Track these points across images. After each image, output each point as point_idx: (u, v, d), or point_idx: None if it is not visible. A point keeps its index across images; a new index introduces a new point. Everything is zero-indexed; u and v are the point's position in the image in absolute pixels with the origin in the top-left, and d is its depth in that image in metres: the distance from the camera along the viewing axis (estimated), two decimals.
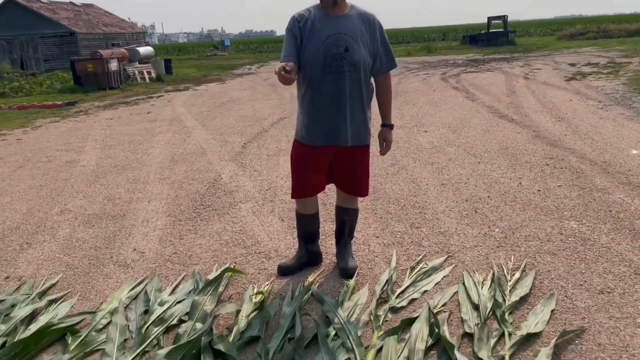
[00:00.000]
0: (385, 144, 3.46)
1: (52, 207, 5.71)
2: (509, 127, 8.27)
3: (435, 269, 3.58)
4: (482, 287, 3.24)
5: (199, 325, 3.05)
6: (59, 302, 3.53)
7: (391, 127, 3.44)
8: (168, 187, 6.12)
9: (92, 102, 15.67)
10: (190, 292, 3.51)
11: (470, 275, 3.41)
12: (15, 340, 3.02)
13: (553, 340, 2.64)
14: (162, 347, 2.91)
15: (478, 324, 2.87)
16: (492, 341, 2.72)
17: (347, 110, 3.23)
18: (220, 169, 6.81)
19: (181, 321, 3.17)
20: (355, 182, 3.47)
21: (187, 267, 3.99)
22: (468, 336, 2.82)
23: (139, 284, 3.70)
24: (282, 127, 9.57)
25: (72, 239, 4.72)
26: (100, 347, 3.01)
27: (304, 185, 3.44)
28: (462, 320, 2.95)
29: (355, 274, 3.55)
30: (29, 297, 3.60)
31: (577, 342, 2.69)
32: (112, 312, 3.31)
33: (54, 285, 3.83)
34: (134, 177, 6.69)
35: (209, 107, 13.12)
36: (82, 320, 3.29)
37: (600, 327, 2.80)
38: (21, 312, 3.32)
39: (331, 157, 3.38)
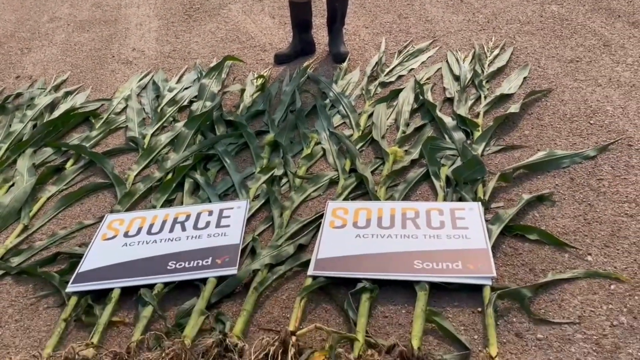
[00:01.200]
0: None
1: (40, 15, 5.70)
2: None
3: (421, 51, 3.84)
4: (463, 62, 3.55)
5: (208, 103, 3.38)
6: (74, 93, 3.82)
7: None
8: None
9: None
10: (195, 80, 3.79)
11: (453, 54, 3.69)
12: (44, 122, 3.36)
13: (521, 99, 3.01)
14: (178, 122, 3.27)
15: (458, 91, 3.22)
16: (470, 102, 3.10)
17: None
18: None
19: (191, 102, 3.50)
20: None
21: (187, 61, 4.22)
22: (448, 100, 3.19)
23: (146, 76, 3.95)
24: None
25: (69, 42, 4.85)
26: (122, 125, 3.37)
27: None
28: (444, 89, 3.30)
29: (347, 59, 3.81)
30: (45, 91, 3.87)
31: (543, 99, 3.07)
32: (127, 99, 3.62)
33: (64, 81, 4.08)
34: None
35: None
36: (101, 105, 3.61)
37: (565, 87, 3.17)
38: (43, 100, 3.61)
39: None
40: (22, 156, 3.05)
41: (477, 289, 1.93)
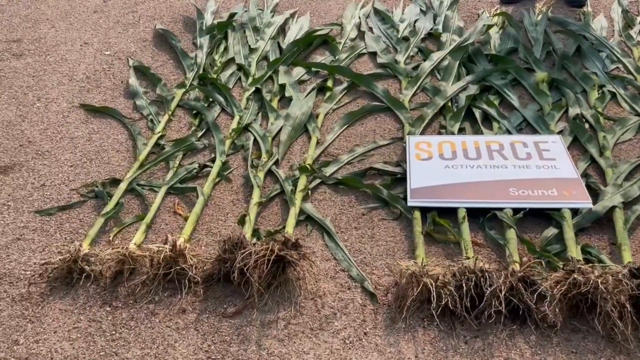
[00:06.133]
0: None
1: None
2: None
3: None
4: None
5: (456, 37, 3.24)
6: (296, 16, 3.74)
7: None
8: None
9: None
10: (419, 13, 3.64)
11: None
12: (288, 42, 3.31)
13: None
14: (428, 52, 3.14)
15: None
16: None
17: None
18: None
19: (430, 34, 3.37)
20: None
21: None
22: None
23: (363, 6, 3.83)
24: None
25: None
26: (364, 52, 3.28)
27: None
28: None
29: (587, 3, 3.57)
30: (263, 12, 3.81)
31: None
32: (358, 26, 3.52)
33: (277, 4, 4.01)
34: None
35: None
36: (331, 30, 3.52)
37: None
38: (275, 20, 3.56)
39: None
40: (280, 73, 3.01)
41: None
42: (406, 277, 1.69)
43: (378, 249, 1.97)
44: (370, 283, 1.82)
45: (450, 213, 2.05)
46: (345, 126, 2.63)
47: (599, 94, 2.69)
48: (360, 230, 2.06)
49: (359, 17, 3.61)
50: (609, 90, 2.71)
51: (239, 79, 3.08)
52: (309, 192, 2.20)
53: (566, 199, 2.01)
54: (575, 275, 1.59)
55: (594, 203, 2.01)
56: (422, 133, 2.52)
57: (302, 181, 2.22)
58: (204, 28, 3.51)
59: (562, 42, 3.18)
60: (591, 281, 1.55)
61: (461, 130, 2.54)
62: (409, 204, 2.07)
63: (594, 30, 3.21)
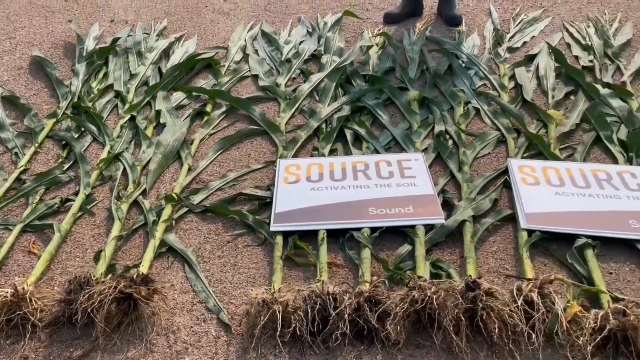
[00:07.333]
0: None
1: None
2: None
3: (536, 20, 3.80)
4: (586, 33, 3.51)
5: (336, 57, 3.31)
6: (182, 40, 3.71)
7: None
8: None
9: None
10: (306, 34, 3.71)
11: (571, 24, 3.66)
12: (169, 66, 3.27)
13: None
14: (308, 74, 3.19)
15: (592, 61, 3.20)
16: (611, 71, 3.08)
17: None
18: None
19: (314, 56, 3.43)
20: None
21: (287, 16, 4.12)
22: (586, 69, 3.16)
23: (251, 28, 3.86)
24: None
25: None
26: (247, 75, 3.30)
27: None
28: (576, 58, 3.28)
29: (462, 23, 3.76)
30: (149, 36, 3.76)
31: None
32: (243, 49, 3.54)
33: (165, 28, 3.96)
34: None
35: None
36: (217, 53, 3.51)
37: None
38: (159, 44, 3.51)
39: None
40: (157, 99, 2.97)
41: None
42: (256, 305, 1.69)
43: (239, 277, 1.97)
44: (226, 313, 1.81)
45: (313, 236, 2.08)
46: (220, 151, 2.62)
47: (464, 110, 2.82)
48: (224, 259, 2.04)
49: (245, 40, 3.63)
50: (473, 107, 2.85)
51: (116, 106, 3.01)
52: (173, 222, 2.17)
53: (421, 216, 2.08)
54: (414, 293, 1.64)
55: (448, 218, 2.10)
56: (295, 155, 2.55)
57: (167, 211, 2.18)
58: (84, 54, 3.41)
59: (437, 60, 3.32)
60: (427, 297, 1.61)
61: (333, 152, 2.58)
62: (271, 229, 2.08)
63: (466, 49, 3.38)
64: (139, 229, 2.17)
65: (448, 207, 2.19)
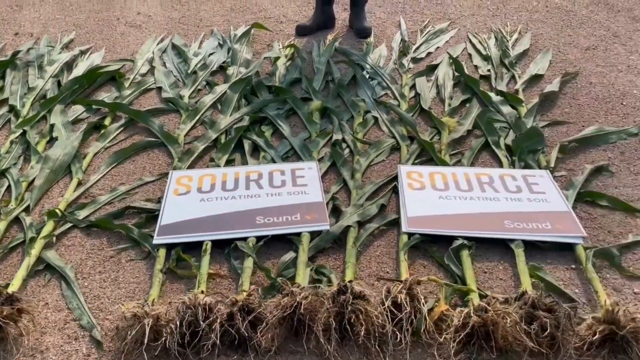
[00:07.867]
0: None
1: None
2: None
3: (442, 31, 3.93)
4: (487, 44, 3.67)
5: (243, 68, 3.32)
6: (88, 53, 3.63)
7: None
8: None
9: None
10: (217, 46, 3.70)
11: (474, 35, 3.81)
12: (69, 79, 3.19)
13: (557, 79, 3.17)
14: (214, 85, 3.18)
15: (490, 69, 3.34)
16: (506, 80, 3.22)
17: None
18: None
19: (221, 67, 3.43)
20: None
21: (200, 28, 4.11)
22: (483, 78, 3.30)
23: (161, 41, 3.82)
24: None
25: (64, 2, 4.60)
26: (152, 87, 3.25)
27: None
28: (476, 67, 3.41)
29: (372, 34, 3.85)
30: (54, 49, 3.66)
31: (572, 82, 3.24)
32: (150, 61, 3.49)
33: (72, 40, 3.87)
34: None
35: None
36: (123, 65, 3.46)
37: (590, 72, 3.35)
38: (61, 57, 3.42)
39: None
40: (53, 112, 2.88)
41: (566, 248, 2.03)
42: (126, 320, 1.65)
43: (119, 292, 1.92)
44: (100, 330, 1.76)
45: (201, 247, 2.05)
46: (113, 165, 2.57)
47: (363, 119, 2.87)
48: (105, 274, 1.99)
49: (153, 52, 3.58)
50: (372, 116, 2.90)
51: (9, 120, 2.90)
52: (54, 238, 2.10)
53: (307, 223, 2.10)
54: (285, 299, 1.64)
55: (335, 224, 2.12)
56: (190, 167, 2.53)
57: (48, 227, 2.11)
58: None
59: (343, 71, 3.38)
60: (295, 303, 1.62)
61: (231, 162, 2.57)
62: (154, 242, 2.05)
63: (371, 60, 3.45)
64: (18, 246, 2.09)
65: (337, 213, 2.21)
